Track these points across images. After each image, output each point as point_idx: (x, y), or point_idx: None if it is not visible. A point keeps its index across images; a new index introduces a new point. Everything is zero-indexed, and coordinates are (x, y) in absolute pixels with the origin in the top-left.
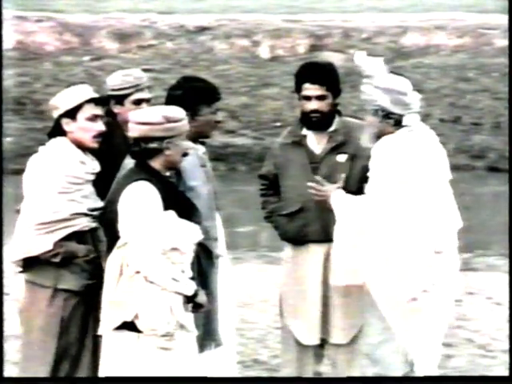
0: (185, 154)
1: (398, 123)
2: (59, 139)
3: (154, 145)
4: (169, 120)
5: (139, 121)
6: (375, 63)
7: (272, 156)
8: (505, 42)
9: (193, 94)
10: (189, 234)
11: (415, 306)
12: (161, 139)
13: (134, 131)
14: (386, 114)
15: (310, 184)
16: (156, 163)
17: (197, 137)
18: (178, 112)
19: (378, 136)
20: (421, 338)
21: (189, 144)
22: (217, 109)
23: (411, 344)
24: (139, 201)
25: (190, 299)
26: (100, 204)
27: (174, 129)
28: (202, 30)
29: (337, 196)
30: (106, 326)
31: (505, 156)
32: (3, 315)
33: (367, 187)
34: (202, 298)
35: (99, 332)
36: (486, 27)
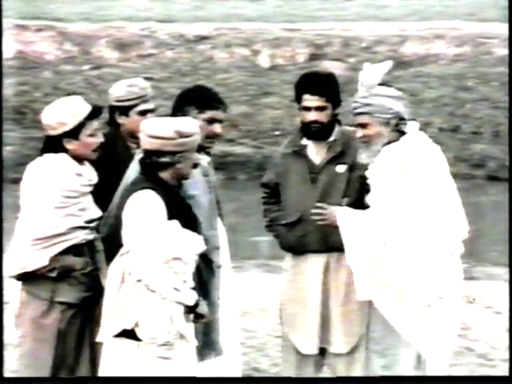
0: (195, 166)
1: (402, 131)
2: (58, 155)
3: (165, 159)
4: (181, 135)
5: (151, 134)
6: (380, 71)
7: (273, 165)
8: (504, 51)
9: (183, 95)
10: (192, 244)
11: (431, 314)
12: (173, 153)
13: (145, 143)
14: (398, 122)
15: (313, 211)
16: (165, 174)
17: None
18: (190, 126)
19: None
20: (434, 342)
21: (196, 154)
22: (214, 119)
23: (425, 349)
24: (143, 209)
25: (191, 309)
26: (98, 214)
27: (186, 144)
28: (202, 39)
29: (344, 213)
30: (106, 332)
31: (504, 165)
32: (3, 315)
33: (382, 195)
34: (203, 308)
35: (98, 339)
36: (486, 36)
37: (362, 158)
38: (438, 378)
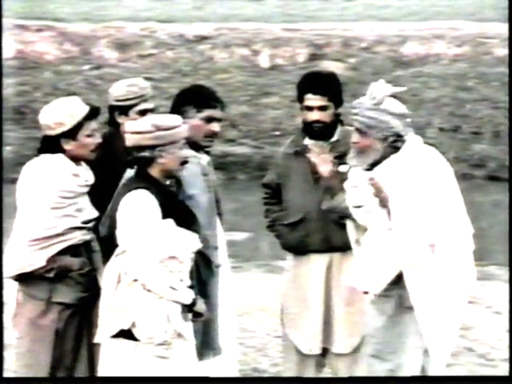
0: (184, 162)
1: (397, 147)
2: (55, 155)
3: (145, 153)
4: (159, 128)
5: (130, 130)
6: (391, 91)
7: (275, 165)
8: (504, 51)
9: (181, 94)
10: (187, 242)
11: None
12: (152, 147)
13: (128, 141)
14: (395, 139)
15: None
16: (154, 171)
17: (187, 142)
18: (169, 120)
19: (378, 161)
20: (446, 341)
21: (189, 152)
22: (212, 118)
23: (439, 349)
24: (137, 209)
25: (188, 308)
26: (95, 215)
27: (165, 137)
28: (202, 39)
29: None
30: (104, 333)
31: (505, 165)
32: (3, 315)
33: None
34: (200, 306)
35: (96, 340)
36: (486, 36)
37: (352, 162)
38: (438, 378)
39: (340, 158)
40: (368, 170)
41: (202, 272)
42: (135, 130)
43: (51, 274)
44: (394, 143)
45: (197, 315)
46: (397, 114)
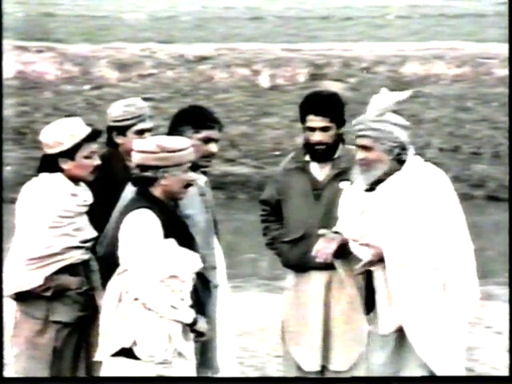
0: (188, 185)
1: (402, 160)
2: (53, 174)
3: (148, 173)
4: (163, 150)
5: (136, 149)
6: (396, 99)
7: (274, 181)
8: (504, 72)
9: (178, 114)
10: (188, 262)
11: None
12: (155, 168)
13: (133, 158)
14: (400, 152)
15: (361, 269)
16: (156, 192)
17: None
18: (175, 142)
19: (384, 175)
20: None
21: (190, 174)
22: (209, 139)
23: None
24: (140, 228)
25: (190, 327)
26: (94, 234)
27: (169, 158)
28: (202, 59)
29: (390, 247)
30: (104, 351)
31: (504, 185)
32: (3, 314)
33: (428, 222)
34: (202, 325)
35: (96, 358)
36: (486, 57)
37: (359, 181)
38: (438, 378)
39: (341, 175)
40: (369, 190)
41: (200, 292)
42: (140, 149)
43: (49, 293)
44: (399, 156)
45: (199, 334)
46: (401, 124)
